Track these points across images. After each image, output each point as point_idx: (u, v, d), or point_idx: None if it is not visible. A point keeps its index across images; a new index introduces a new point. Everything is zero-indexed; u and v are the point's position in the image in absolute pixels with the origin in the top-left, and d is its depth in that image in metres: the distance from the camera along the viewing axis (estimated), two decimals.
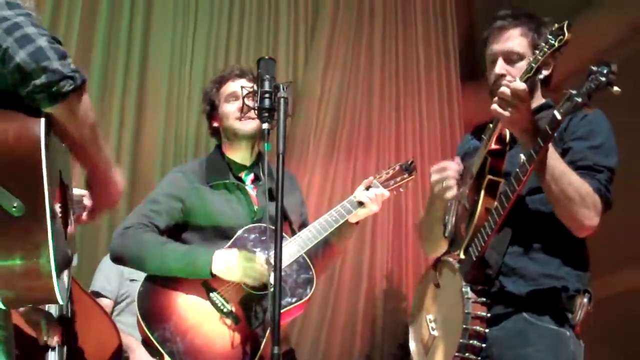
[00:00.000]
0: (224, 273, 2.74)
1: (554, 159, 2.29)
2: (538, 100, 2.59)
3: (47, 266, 1.70)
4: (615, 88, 2.08)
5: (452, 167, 2.56)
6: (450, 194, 2.53)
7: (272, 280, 2.73)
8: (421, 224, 2.84)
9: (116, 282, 3.76)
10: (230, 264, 2.73)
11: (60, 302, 1.80)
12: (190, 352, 2.66)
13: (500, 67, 2.53)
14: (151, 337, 2.67)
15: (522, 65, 2.47)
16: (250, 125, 2.98)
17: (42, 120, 1.73)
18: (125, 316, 3.68)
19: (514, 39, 2.54)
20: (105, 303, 3.72)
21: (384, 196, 3.00)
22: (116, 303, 3.80)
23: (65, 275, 1.86)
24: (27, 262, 1.69)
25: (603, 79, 2.08)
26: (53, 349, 2.55)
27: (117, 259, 2.91)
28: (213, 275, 2.74)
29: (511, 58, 2.53)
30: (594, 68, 2.11)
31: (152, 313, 2.73)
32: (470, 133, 2.83)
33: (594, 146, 2.43)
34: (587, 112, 2.21)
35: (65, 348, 2.57)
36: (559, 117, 2.16)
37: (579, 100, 2.12)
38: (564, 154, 2.41)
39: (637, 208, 4.87)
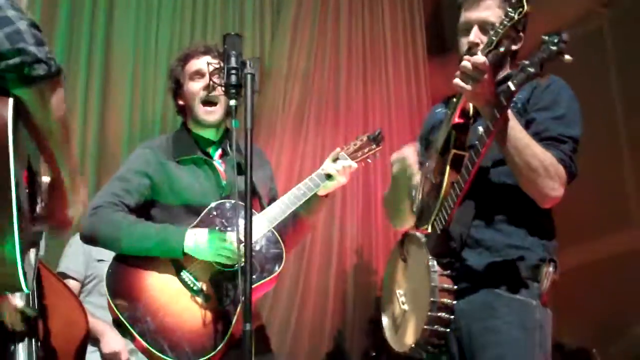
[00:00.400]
0: (196, 252, 2.73)
1: (517, 131, 2.30)
2: (505, 73, 2.59)
3: (11, 253, 1.67)
4: (567, 57, 2.09)
5: (411, 154, 2.57)
6: (415, 180, 2.56)
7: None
8: (387, 200, 2.83)
9: (83, 263, 3.73)
10: (202, 243, 2.72)
11: (25, 290, 1.78)
12: (161, 331, 2.65)
13: (474, 35, 2.49)
14: (121, 317, 2.65)
15: None
16: (214, 116, 2.97)
17: (10, 101, 1.69)
18: (93, 297, 3.67)
19: (491, 9, 2.50)
20: (72, 284, 3.69)
21: (352, 168, 3.00)
22: (84, 284, 3.78)
23: (30, 261, 1.84)
24: None
25: (554, 47, 2.09)
26: (22, 338, 2.52)
27: (89, 240, 2.88)
28: (185, 254, 2.73)
29: (485, 27, 2.48)
30: (545, 37, 2.13)
31: (122, 293, 2.71)
32: (439, 105, 2.82)
33: (557, 116, 2.44)
34: (542, 82, 2.22)
35: (33, 339, 2.54)
36: (512, 87, 2.18)
37: (532, 70, 2.13)
38: (527, 125, 2.42)
39: (601, 180, 4.95)
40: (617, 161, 5.63)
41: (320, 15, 6.16)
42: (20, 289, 1.76)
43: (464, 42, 2.52)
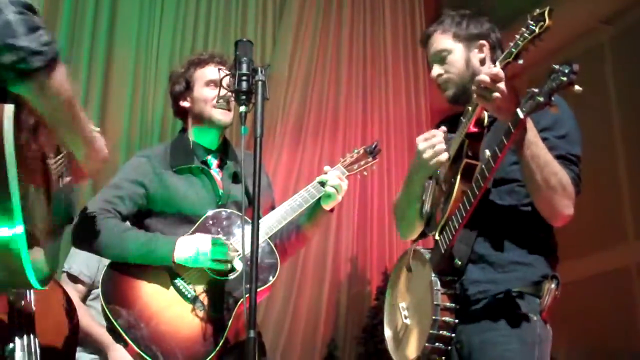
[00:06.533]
0: (188, 261, 2.70)
1: (540, 148, 2.30)
2: None
3: (17, 252, 1.66)
4: (577, 87, 2.09)
5: (439, 133, 2.54)
6: (443, 156, 2.47)
7: (238, 266, 2.73)
8: (397, 202, 2.79)
9: (95, 266, 3.69)
10: (195, 251, 2.70)
11: (36, 287, 1.75)
12: (155, 338, 2.63)
13: (435, 70, 2.66)
14: (115, 323, 2.64)
15: (453, 57, 2.60)
16: (228, 116, 2.97)
17: (7, 106, 1.66)
18: (98, 304, 3.63)
19: (437, 41, 2.66)
20: (81, 288, 3.68)
21: (344, 173, 3.01)
22: (92, 287, 3.74)
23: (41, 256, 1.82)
24: None
25: (564, 78, 2.09)
26: (20, 335, 2.51)
27: (79, 245, 2.86)
28: (175, 263, 2.72)
29: (441, 56, 2.64)
30: (556, 67, 2.12)
31: (116, 300, 2.69)
32: (437, 124, 2.80)
33: (561, 135, 2.45)
34: (551, 111, 2.21)
35: (32, 336, 2.53)
36: (521, 115, 2.18)
37: (541, 99, 2.13)
38: None
39: (598, 196, 4.95)
40: (614, 177, 5.64)
41: (322, 20, 6.18)
42: (29, 286, 1.74)
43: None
